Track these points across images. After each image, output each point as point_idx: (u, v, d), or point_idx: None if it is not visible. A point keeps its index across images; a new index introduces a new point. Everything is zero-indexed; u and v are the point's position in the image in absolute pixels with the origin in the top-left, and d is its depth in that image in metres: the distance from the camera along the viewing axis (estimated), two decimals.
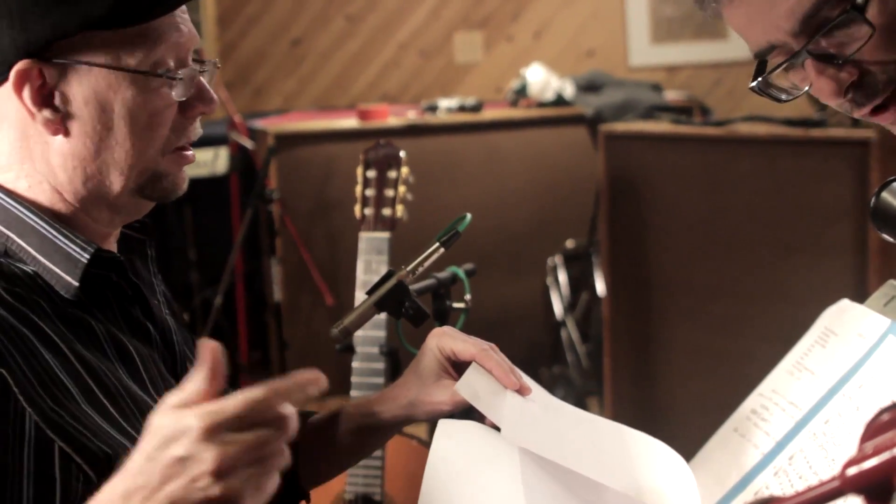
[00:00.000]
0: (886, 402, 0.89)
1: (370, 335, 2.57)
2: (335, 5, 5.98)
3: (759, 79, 1.35)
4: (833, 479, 0.86)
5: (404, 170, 2.64)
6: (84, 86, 1.39)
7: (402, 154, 2.65)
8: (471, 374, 1.52)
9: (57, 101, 1.39)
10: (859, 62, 1.28)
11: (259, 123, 5.00)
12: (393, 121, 4.86)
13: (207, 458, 0.97)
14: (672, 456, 1.62)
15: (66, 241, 1.42)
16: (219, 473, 0.97)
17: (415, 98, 5.88)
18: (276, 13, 5.95)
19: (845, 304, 1.63)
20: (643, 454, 1.61)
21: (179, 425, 0.98)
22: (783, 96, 1.36)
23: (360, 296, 2.61)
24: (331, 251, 4.66)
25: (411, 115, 4.95)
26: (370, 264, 2.63)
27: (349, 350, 2.57)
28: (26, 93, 1.38)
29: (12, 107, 1.40)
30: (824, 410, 1.49)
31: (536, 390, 1.58)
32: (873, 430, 0.87)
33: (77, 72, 1.38)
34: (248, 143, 4.81)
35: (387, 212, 2.63)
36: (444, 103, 5.04)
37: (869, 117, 1.32)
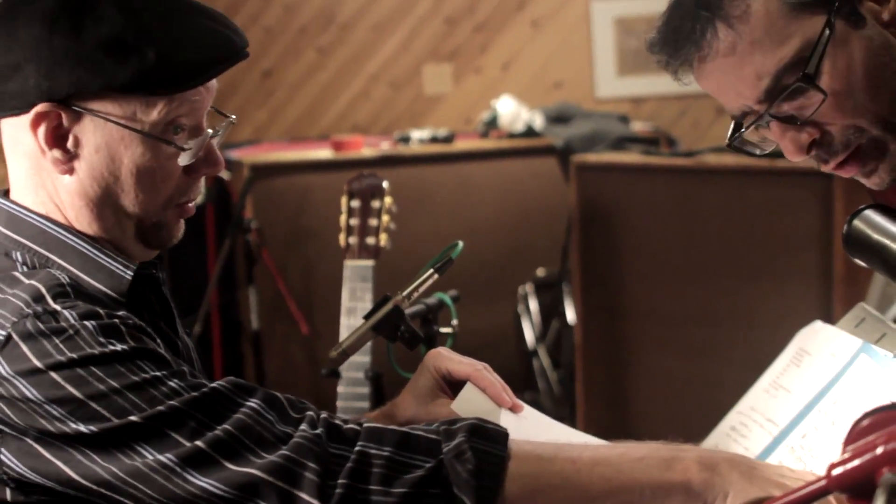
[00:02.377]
0: (866, 410, 0.97)
1: (355, 360, 2.63)
2: (306, 37, 6.05)
3: (736, 137, 1.49)
4: (820, 479, 0.94)
5: (387, 199, 2.72)
6: (97, 135, 1.43)
7: (385, 184, 2.73)
8: (466, 392, 1.59)
9: (69, 143, 1.44)
10: (818, 123, 1.42)
11: (232, 154, 5.05)
12: (367, 152, 4.92)
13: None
14: None
15: (109, 260, 1.47)
16: None
17: (385, 129, 5.95)
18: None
19: (819, 325, 1.71)
20: None
21: None
22: (757, 151, 1.51)
23: (345, 322, 2.68)
24: (307, 280, 4.72)
25: (384, 146, 5.02)
26: (355, 291, 2.69)
27: (335, 375, 2.64)
28: (41, 131, 1.43)
29: (28, 138, 1.45)
30: (801, 426, 1.58)
31: (528, 409, 1.66)
32: (856, 433, 0.95)
33: (93, 121, 1.43)
34: (224, 174, 4.87)
35: (371, 240, 2.70)
36: (417, 134, 5.11)
37: (835, 171, 1.46)
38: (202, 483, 1.29)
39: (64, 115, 1.43)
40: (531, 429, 1.59)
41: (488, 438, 1.33)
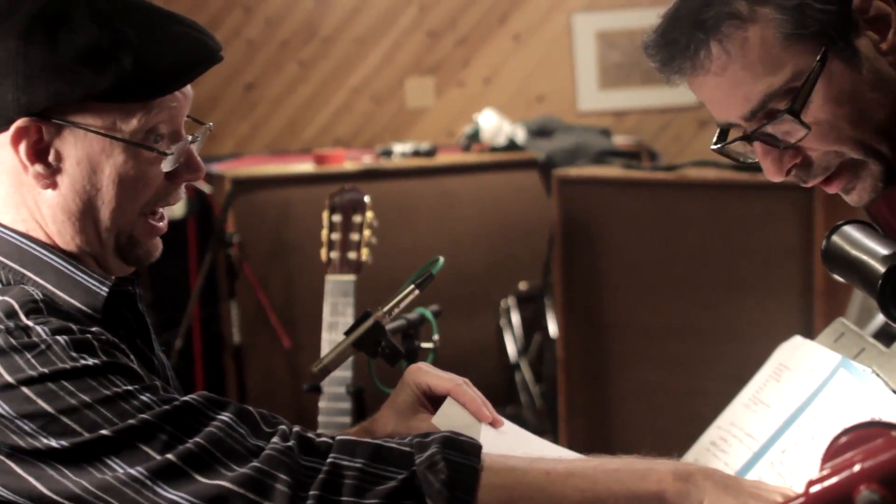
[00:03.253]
0: (845, 426, 0.97)
1: (337, 375, 2.62)
2: (288, 51, 6.05)
3: (720, 145, 1.51)
4: (798, 496, 0.94)
5: (369, 214, 2.71)
6: (78, 147, 1.44)
7: (366, 199, 2.73)
8: (446, 407, 1.59)
9: (51, 157, 1.44)
10: (801, 148, 1.45)
11: (214, 167, 5.05)
12: (349, 165, 4.93)
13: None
14: None
15: (84, 276, 1.47)
16: None
17: (367, 143, 5.95)
18: (230, 58, 6.00)
19: (798, 340, 1.72)
20: None
21: None
22: (741, 158, 1.53)
23: (326, 337, 2.67)
24: (288, 294, 4.71)
25: (367, 160, 5.02)
26: (336, 306, 2.69)
27: (316, 390, 2.63)
28: (22, 147, 1.43)
29: (7, 156, 1.45)
30: (780, 441, 1.58)
31: (508, 424, 1.66)
32: (834, 451, 0.95)
33: (73, 133, 1.43)
34: (205, 187, 4.86)
35: (352, 255, 2.70)
36: (399, 148, 5.11)
37: (823, 187, 1.49)
38: (173, 496, 1.28)
39: (44, 129, 1.43)
40: (511, 444, 1.59)
41: (461, 450, 1.33)
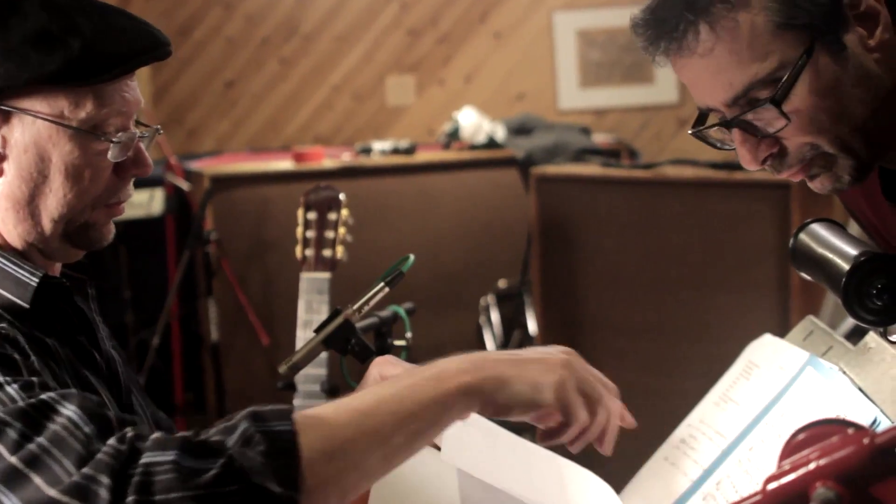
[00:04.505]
0: (806, 422, 0.98)
1: (312, 373, 2.62)
2: (269, 48, 6.04)
3: (697, 129, 1.51)
4: (755, 493, 0.94)
5: (344, 212, 2.71)
6: (26, 134, 1.44)
7: (341, 196, 2.73)
8: None
9: None
10: (778, 138, 1.45)
11: (193, 165, 5.04)
12: (328, 163, 4.92)
13: (562, 357, 1.39)
14: (601, 486, 1.71)
15: (15, 267, 1.46)
16: (566, 365, 1.38)
17: (347, 140, 5.95)
18: (210, 55, 6.00)
19: (767, 338, 1.72)
20: (575, 482, 1.68)
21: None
22: (717, 144, 1.52)
23: (301, 335, 2.67)
24: (266, 292, 4.70)
25: (346, 158, 5.01)
26: (311, 304, 2.69)
27: (291, 388, 2.63)
28: None
29: None
30: (748, 438, 1.58)
31: (475, 417, 1.65)
32: (791, 448, 0.96)
33: (21, 119, 1.44)
34: (184, 185, 4.85)
35: (327, 253, 2.70)
36: (378, 146, 5.11)
37: (790, 177, 1.49)
38: None
39: None
40: (477, 437, 1.59)
41: (270, 419, 1.25)
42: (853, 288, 1.40)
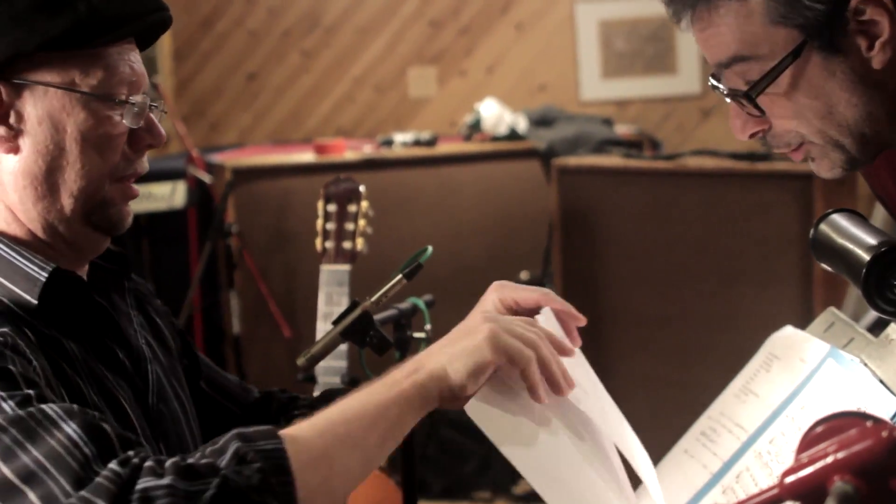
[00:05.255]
0: (829, 410, 0.97)
1: (332, 365, 2.62)
2: (290, 40, 6.05)
3: (712, 83, 1.55)
4: (772, 487, 0.94)
5: (364, 204, 2.71)
6: (39, 106, 1.44)
7: (361, 188, 2.72)
8: (544, 318, 1.56)
9: (11, 119, 1.44)
10: (767, 118, 1.48)
11: (216, 157, 5.05)
12: (349, 155, 4.92)
13: (483, 317, 1.44)
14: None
15: (25, 261, 1.45)
16: (488, 320, 1.43)
17: (369, 132, 5.95)
18: (232, 48, 6.01)
19: (789, 330, 1.71)
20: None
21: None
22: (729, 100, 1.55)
23: (321, 327, 2.67)
24: (288, 284, 4.71)
25: (367, 150, 5.01)
26: (331, 296, 2.69)
27: (311, 381, 2.63)
28: None
29: None
30: (769, 431, 1.57)
31: (578, 354, 1.64)
32: (808, 441, 0.95)
33: (33, 92, 1.44)
34: (206, 178, 4.86)
35: (347, 245, 2.70)
36: (400, 137, 5.11)
37: (788, 155, 1.53)
38: None
39: (3, 91, 1.43)
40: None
41: (259, 438, 1.26)
42: (873, 279, 1.39)
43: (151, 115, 1.52)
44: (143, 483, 1.21)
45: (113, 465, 1.22)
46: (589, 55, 6.10)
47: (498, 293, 1.61)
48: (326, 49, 6.05)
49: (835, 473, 0.90)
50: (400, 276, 1.77)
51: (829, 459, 0.91)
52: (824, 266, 1.57)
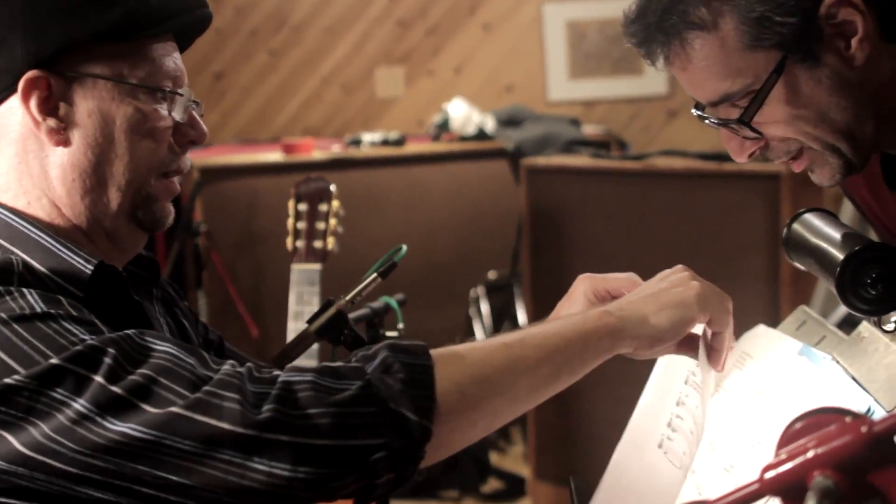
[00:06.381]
0: (801, 412, 0.97)
1: (302, 365, 2.61)
2: (258, 40, 6.03)
3: (698, 113, 1.58)
4: (753, 482, 0.94)
5: (335, 203, 2.71)
6: (88, 98, 1.44)
7: (332, 188, 2.72)
8: None
9: (61, 111, 1.44)
10: (762, 136, 1.50)
11: None
12: (317, 154, 4.92)
13: (686, 273, 1.54)
14: None
15: (71, 255, 1.44)
16: (694, 277, 1.52)
17: (337, 132, 5.94)
18: (199, 47, 5.95)
19: (761, 329, 1.72)
20: None
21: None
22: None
23: (292, 326, 2.66)
24: (256, 284, 4.70)
25: (335, 149, 5.01)
26: (302, 295, 2.68)
27: None
28: (33, 101, 1.43)
29: (15, 120, 1.45)
30: (740, 428, 1.58)
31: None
32: (788, 436, 0.96)
33: (82, 84, 1.44)
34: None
35: (318, 244, 2.69)
36: (368, 137, 5.11)
37: (790, 165, 1.55)
38: (121, 428, 1.23)
39: (53, 82, 1.43)
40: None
41: (409, 352, 1.31)
42: (848, 277, 1.40)
43: (194, 112, 1.54)
44: (285, 376, 1.26)
45: (226, 366, 1.27)
46: (556, 56, 6.12)
47: (589, 284, 1.68)
48: (294, 48, 6.05)
49: (815, 468, 0.91)
50: (375, 274, 1.77)
51: (810, 454, 0.91)
52: (796, 265, 1.59)
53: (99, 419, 1.23)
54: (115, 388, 1.24)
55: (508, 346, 1.36)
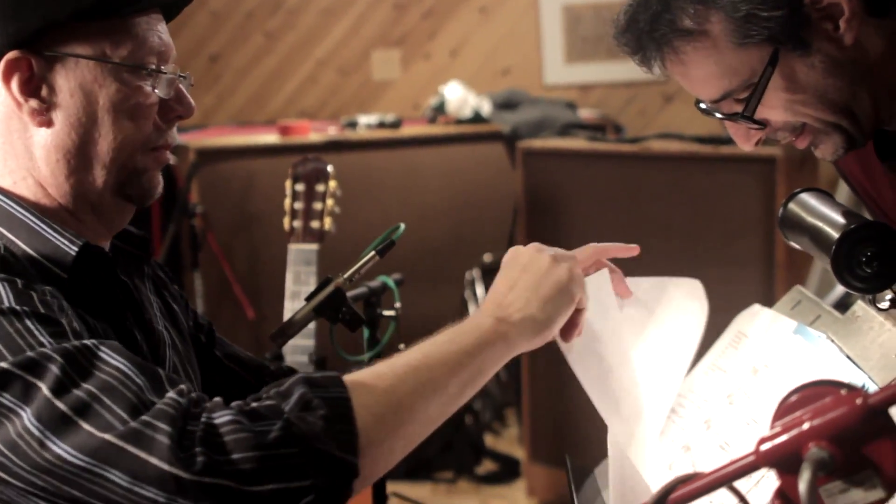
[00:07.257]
0: (795, 385, 0.99)
1: (300, 344, 2.63)
2: (254, 22, 6.02)
3: (702, 107, 1.61)
4: (749, 454, 0.96)
5: (332, 183, 2.71)
6: (70, 78, 1.43)
7: (330, 168, 2.73)
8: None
9: (43, 92, 1.43)
10: (765, 121, 1.53)
11: (179, 138, 5.01)
12: (313, 137, 4.91)
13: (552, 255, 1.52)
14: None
15: (55, 235, 1.44)
16: (563, 258, 1.52)
17: (332, 115, 5.94)
18: (195, 29, 5.98)
19: (756, 308, 1.74)
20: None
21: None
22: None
23: (289, 306, 2.68)
24: (252, 265, 4.70)
25: (332, 132, 5.01)
26: (299, 275, 2.69)
27: (279, 359, 2.63)
28: (14, 83, 1.42)
29: None
30: (727, 402, 1.60)
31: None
32: (783, 409, 0.97)
33: (64, 64, 1.43)
34: (170, 158, 4.83)
35: (315, 224, 2.70)
36: (364, 119, 5.10)
37: (794, 143, 1.58)
38: (60, 451, 1.21)
39: (34, 63, 1.43)
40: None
41: (324, 384, 1.28)
42: (843, 256, 1.42)
43: (181, 86, 1.52)
44: (208, 416, 1.22)
45: (171, 393, 1.24)
46: (552, 39, 6.11)
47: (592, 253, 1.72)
48: (290, 31, 6.04)
49: (810, 440, 0.92)
50: (373, 252, 1.78)
51: (805, 427, 0.93)
52: (792, 244, 1.60)
53: (41, 436, 1.21)
54: (58, 404, 1.22)
55: (415, 368, 1.34)
